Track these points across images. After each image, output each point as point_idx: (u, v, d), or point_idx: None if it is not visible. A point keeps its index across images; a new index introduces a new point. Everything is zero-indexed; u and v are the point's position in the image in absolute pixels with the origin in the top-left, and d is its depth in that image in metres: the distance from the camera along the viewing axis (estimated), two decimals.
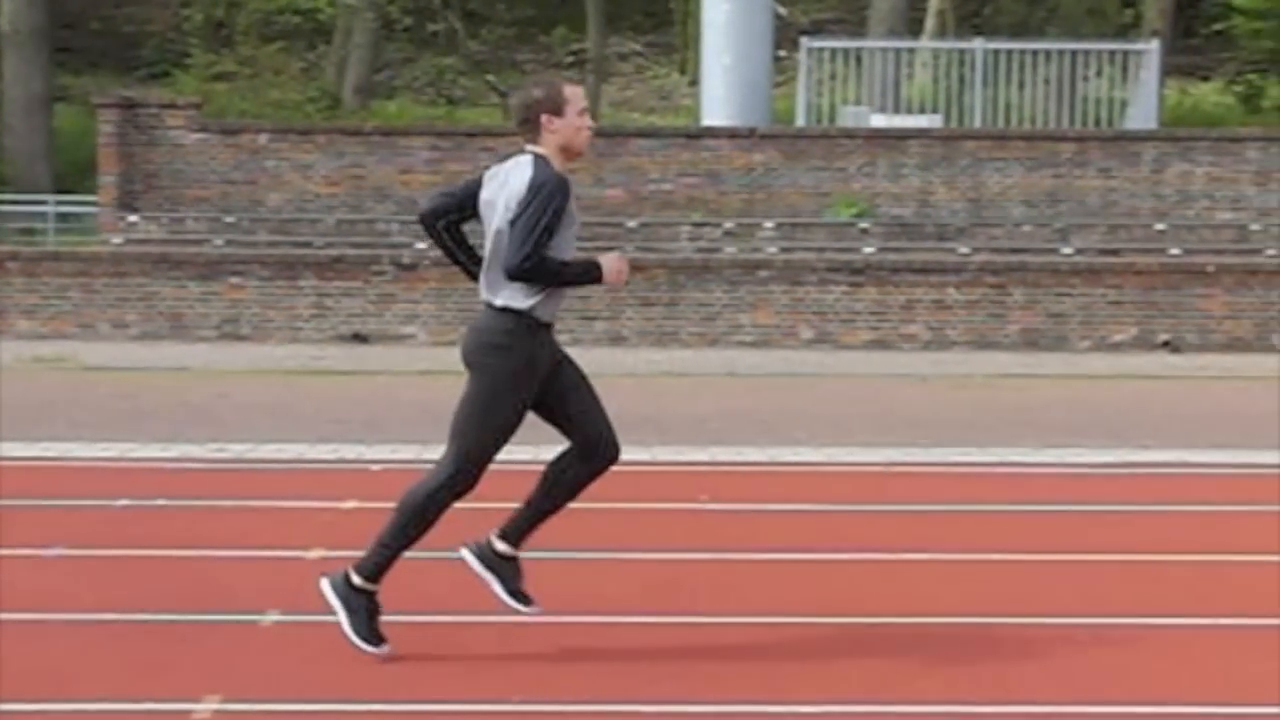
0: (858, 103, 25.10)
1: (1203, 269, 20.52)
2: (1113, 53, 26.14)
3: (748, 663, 6.76)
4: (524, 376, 6.65)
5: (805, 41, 26.03)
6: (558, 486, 6.85)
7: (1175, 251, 21.75)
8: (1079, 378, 17.63)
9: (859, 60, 25.76)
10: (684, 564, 8.38)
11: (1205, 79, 40.50)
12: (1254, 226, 22.68)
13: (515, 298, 6.62)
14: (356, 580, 6.76)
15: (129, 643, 7.02)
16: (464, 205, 6.87)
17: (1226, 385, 17.23)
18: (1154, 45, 26.21)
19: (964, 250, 21.64)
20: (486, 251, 6.74)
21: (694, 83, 33.04)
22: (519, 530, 6.89)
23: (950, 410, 15.14)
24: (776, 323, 20.16)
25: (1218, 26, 39.19)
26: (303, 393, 15.89)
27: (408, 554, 6.79)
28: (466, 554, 6.89)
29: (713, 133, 23.91)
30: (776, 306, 20.15)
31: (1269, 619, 7.52)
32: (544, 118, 6.70)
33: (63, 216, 29.07)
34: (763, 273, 20.41)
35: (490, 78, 40.34)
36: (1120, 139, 23.67)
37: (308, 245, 21.87)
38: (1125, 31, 36.28)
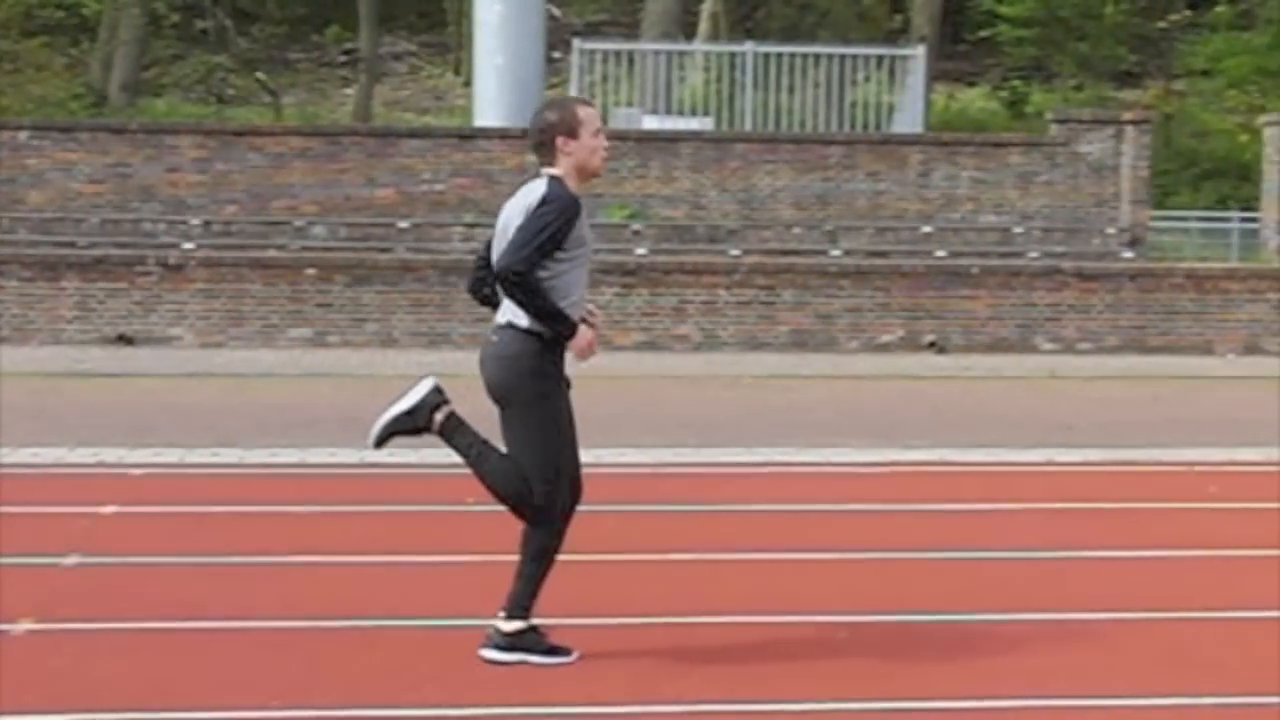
0: (630, 104, 25.21)
1: (967, 271, 20.87)
2: (881, 58, 26.53)
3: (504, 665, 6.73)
4: (556, 390, 6.74)
5: (578, 43, 26.08)
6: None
7: (941, 254, 22.12)
8: (847, 378, 17.85)
9: (631, 62, 25.87)
10: (445, 567, 8.32)
11: (971, 84, 41.31)
12: (1017, 229, 23.15)
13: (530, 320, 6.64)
14: (439, 417, 6.75)
15: None
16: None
17: (990, 385, 17.56)
18: (921, 51, 26.63)
19: (735, 252, 21.82)
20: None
21: (468, 83, 32.94)
22: (520, 599, 6.79)
23: (720, 411, 15.24)
24: None
25: (984, 33, 40.04)
26: (64, 396, 15.56)
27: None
28: (488, 653, 6.75)
29: (485, 133, 23.86)
30: None
31: (1033, 614, 7.66)
32: (559, 140, 6.70)
33: None
34: None
35: (261, 76, 39.90)
36: (888, 143, 24.03)
37: (71, 245, 21.44)
38: (894, 37, 36.88)
